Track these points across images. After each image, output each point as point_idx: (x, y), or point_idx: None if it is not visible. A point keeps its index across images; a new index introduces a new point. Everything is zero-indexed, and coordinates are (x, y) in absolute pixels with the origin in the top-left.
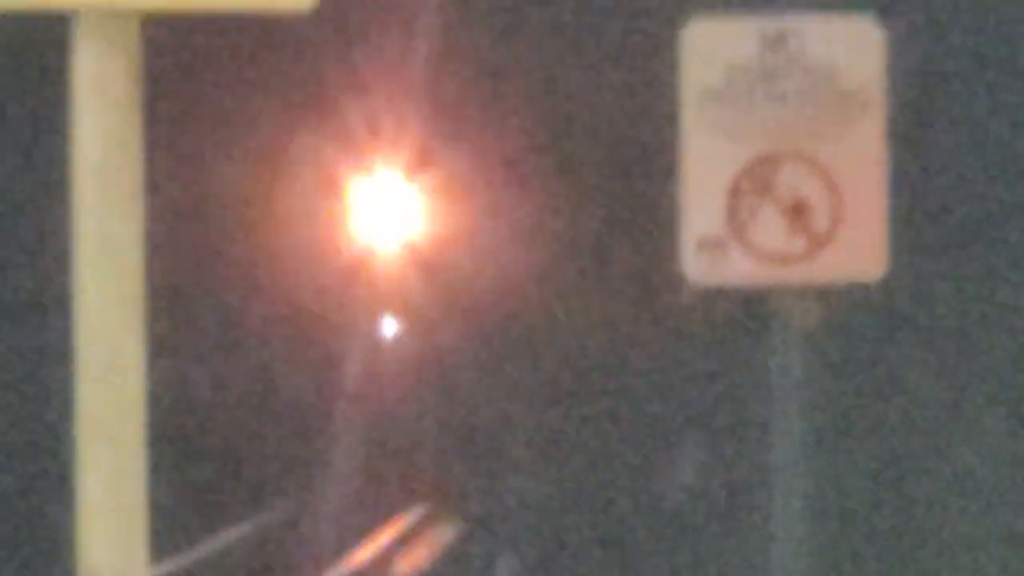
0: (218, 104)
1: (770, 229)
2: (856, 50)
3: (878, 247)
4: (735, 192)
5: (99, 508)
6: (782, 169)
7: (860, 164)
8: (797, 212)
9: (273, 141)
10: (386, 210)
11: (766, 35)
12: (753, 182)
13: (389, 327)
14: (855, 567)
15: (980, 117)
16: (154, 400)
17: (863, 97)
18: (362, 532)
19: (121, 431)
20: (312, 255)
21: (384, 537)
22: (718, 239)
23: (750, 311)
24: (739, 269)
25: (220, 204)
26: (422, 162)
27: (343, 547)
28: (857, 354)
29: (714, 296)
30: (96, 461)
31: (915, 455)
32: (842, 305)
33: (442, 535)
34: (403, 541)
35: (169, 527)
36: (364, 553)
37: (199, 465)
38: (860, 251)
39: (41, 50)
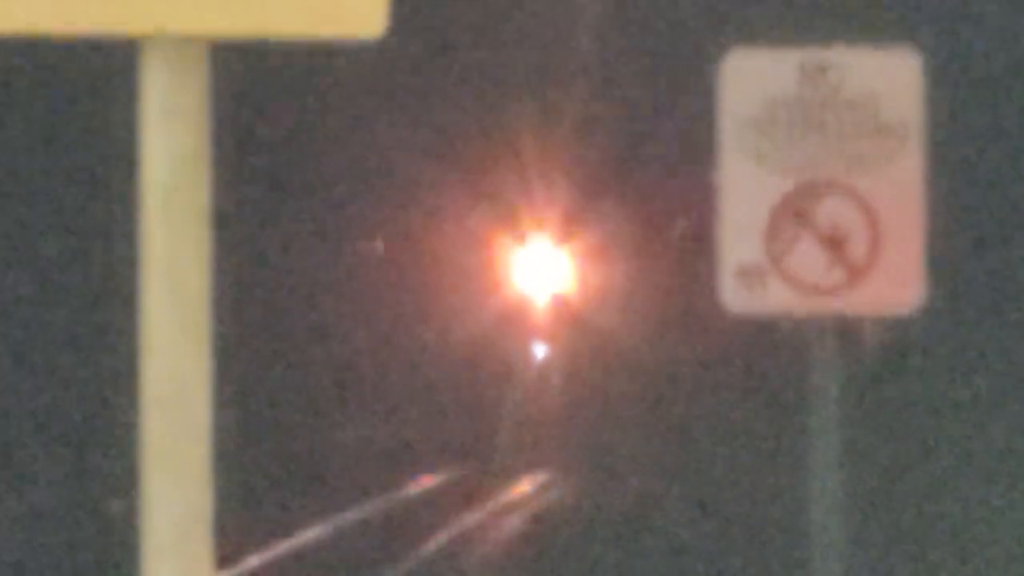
0: (398, 185)
1: (809, 260)
2: (896, 82)
3: (915, 279)
4: (774, 222)
5: (165, 542)
6: (821, 200)
7: (899, 196)
8: (835, 243)
9: (439, 211)
10: (538, 271)
11: (806, 67)
12: (792, 212)
13: (539, 359)
14: None
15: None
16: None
17: (902, 129)
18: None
19: (187, 463)
20: (477, 305)
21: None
22: (757, 269)
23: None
24: (778, 299)
25: (403, 264)
26: (569, 230)
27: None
28: (893, 385)
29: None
30: (162, 495)
31: (949, 484)
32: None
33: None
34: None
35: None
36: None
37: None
38: (897, 283)
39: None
